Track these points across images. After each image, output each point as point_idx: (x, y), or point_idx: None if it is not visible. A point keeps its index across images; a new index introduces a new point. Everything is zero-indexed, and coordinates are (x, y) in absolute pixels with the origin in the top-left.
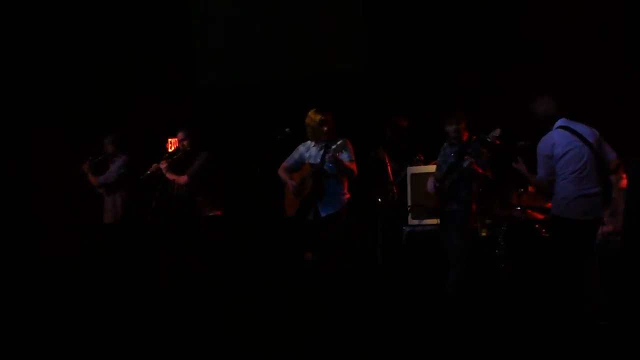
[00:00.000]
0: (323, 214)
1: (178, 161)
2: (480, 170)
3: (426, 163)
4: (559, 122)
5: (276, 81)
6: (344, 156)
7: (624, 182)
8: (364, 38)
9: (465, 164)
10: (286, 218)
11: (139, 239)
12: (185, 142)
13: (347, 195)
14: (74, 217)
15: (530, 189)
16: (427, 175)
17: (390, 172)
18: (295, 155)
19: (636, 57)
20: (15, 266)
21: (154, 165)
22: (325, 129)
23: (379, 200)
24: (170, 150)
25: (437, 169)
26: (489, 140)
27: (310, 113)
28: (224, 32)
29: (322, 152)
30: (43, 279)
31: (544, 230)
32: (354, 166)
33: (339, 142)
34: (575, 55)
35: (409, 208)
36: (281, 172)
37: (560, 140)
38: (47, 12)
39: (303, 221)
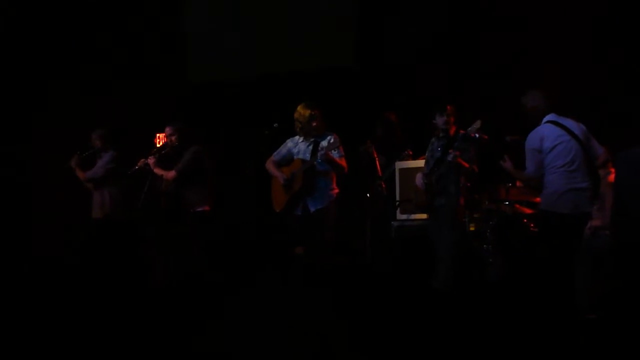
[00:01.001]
0: (312, 209)
1: (166, 156)
2: (466, 165)
3: (415, 158)
4: (548, 117)
5: (266, 76)
6: (334, 153)
7: (612, 177)
8: (354, 33)
9: (450, 157)
10: (275, 213)
11: (127, 234)
12: (173, 137)
13: (336, 190)
14: (67, 213)
15: (518, 183)
16: (415, 170)
17: (378, 166)
18: (283, 150)
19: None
20: (9, 261)
21: (142, 160)
22: (315, 124)
23: (368, 195)
24: (158, 145)
25: (425, 163)
26: (477, 136)
27: (299, 108)
28: (215, 28)
29: (310, 147)
30: (33, 274)
31: (532, 225)
32: (344, 162)
33: (329, 139)
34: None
35: (397, 203)
36: (269, 165)
37: (549, 133)
38: (42, 10)
39: (292, 216)
